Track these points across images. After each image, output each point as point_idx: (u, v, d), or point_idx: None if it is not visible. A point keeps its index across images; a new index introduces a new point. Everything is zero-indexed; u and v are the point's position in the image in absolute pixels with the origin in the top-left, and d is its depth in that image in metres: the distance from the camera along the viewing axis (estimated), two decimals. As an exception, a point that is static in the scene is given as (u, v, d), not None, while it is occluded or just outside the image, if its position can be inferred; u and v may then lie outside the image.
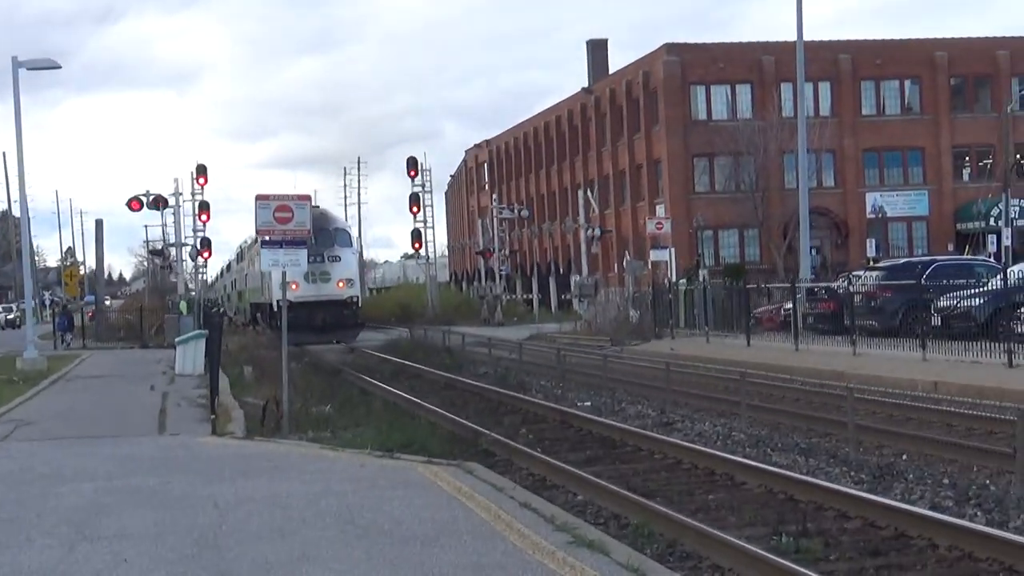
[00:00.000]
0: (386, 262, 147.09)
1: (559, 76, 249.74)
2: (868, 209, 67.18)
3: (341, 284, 47.09)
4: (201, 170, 67.87)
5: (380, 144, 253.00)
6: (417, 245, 70.84)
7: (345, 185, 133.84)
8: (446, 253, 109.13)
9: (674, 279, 42.27)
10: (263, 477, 13.36)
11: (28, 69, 30.41)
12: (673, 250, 50.58)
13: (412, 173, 70.04)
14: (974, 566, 9.87)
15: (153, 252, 55.27)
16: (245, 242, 62.78)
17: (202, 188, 66.82)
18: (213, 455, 15.16)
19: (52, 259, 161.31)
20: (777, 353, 29.58)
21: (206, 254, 67.21)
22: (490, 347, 36.11)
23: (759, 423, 19.24)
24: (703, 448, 16.14)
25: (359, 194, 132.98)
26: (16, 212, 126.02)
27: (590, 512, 12.90)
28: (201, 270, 69.23)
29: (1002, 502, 12.15)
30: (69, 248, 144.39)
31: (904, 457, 15.60)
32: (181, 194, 49.68)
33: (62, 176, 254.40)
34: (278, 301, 63.03)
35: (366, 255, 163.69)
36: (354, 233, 57.62)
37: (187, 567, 8.93)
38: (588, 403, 23.30)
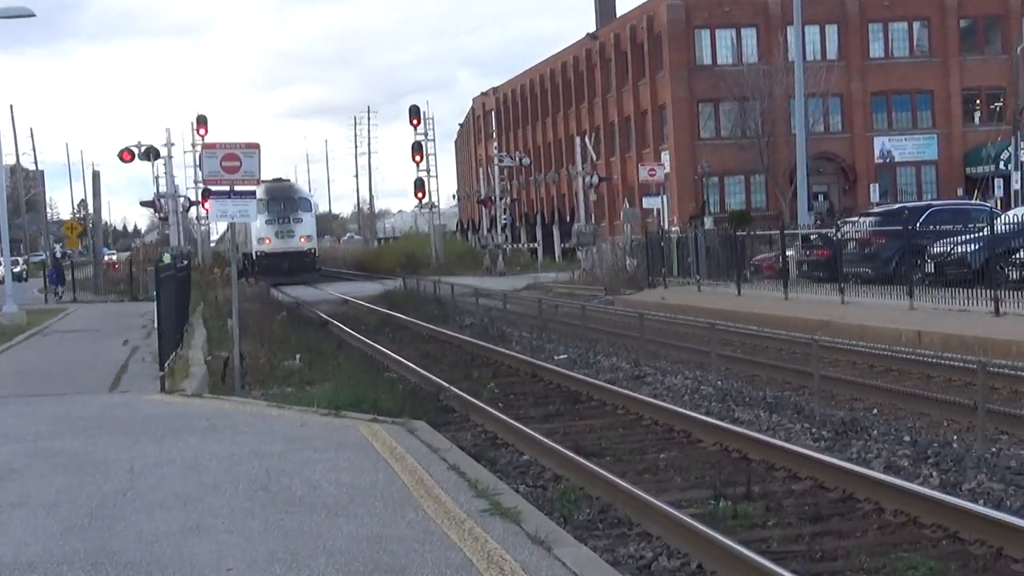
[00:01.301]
0: (400, 212, 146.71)
1: (571, 23, 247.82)
2: (876, 154, 66.17)
3: (303, 239, 62.73)
4: (201, 120, 67.74)
5: (395, 93, 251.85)
6: (420, 194, 70.33)
7: (355, 135, 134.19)
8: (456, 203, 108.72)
9: (666, 227, 41.51)
10: (194, 437, 12.85)
11: (2, 18, 29.80)
12: (666, 197, 49.81)
13: (415, 122, 69.38)
14: (917, 532, 9.26)
15: (144, 203, 54.64)
16: None
17: (202, 139, 66.58)
18: (152, 414, 14.65)
19: (65, 212, 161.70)
20: (767, 302, 28.95)
21: (207, 205, 66.87)
22: (477, 297, 35.63)
23: (733, 376, 18.70)
24: (663, 404, 15.59)
25: (368, 143, 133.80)
26: (27, 165, 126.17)
27: (531, 474, 12.39)
28: (203, 222, 68.72)
29: (961, 461, 11.53)
30: (82, 200, 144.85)
31: (875, 412, 14.98)
32: (173, 144, 49.05)
33: (76, 127, 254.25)
34: (253, 252, 65.98)
35: (380, 204, 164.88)
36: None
37: (66, 541, 8.38)
38: (564, 356, 22.83)
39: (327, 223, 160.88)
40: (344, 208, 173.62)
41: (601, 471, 11.30)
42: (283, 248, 61.54)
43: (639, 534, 9.69)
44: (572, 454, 12.33)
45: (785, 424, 14.25)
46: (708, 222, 51.59)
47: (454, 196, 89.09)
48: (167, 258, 35.55)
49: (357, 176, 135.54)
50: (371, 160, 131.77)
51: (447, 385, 18.41)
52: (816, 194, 62.38)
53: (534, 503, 10.33)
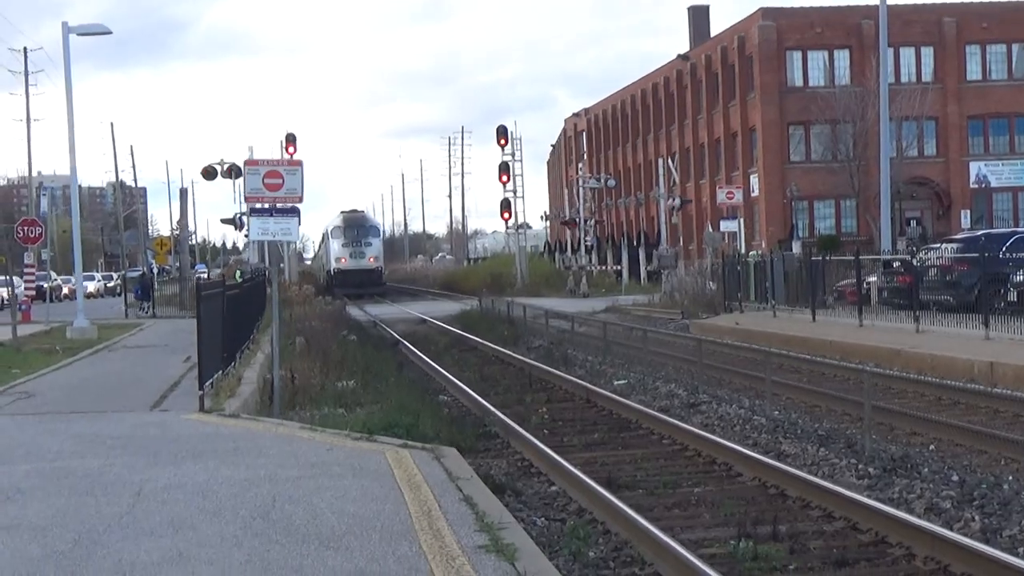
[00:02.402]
0: (493, 232, 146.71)
1: (668, 43, 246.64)
2: (971, 179, 64.41)
3: (371, 259, 75.55)
4: (290, 138, 67.95)
5: (492, 112, 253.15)
6: (507, 215, 70.11)
7: (449, 155, 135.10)
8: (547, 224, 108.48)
9: (744, 250, 40.65)
10: (214, 460, 12.54)
11: (78, 35, 30.22)
12: (754, 220, 48.85)
13: (502, 142, 69.25)
14: (946, 583, 8.58)
15: (224, 221, 55.19)
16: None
17: (291, 156, 67.26)
18: (182, 434, 14.41)
19: (165, 228, 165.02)
20: (841, 329, 28.04)
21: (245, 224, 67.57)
22: (547, 319, 35.41)
23: (791, 406, 18.01)
24: (708, 435, 14.97)
25: (462, 163, 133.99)
26: (129, 182, 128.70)
27: (555, 506, 11.90)
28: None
29: (1008, 505, 10.75)
30: (181, 218, 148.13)
31: (931, 448, 14.20)
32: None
33: (178, 145, 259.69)
34: (331, 270, 71.20)
35: (473, 225, 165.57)
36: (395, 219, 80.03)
37: (39, 568, 8.08)
38: (623, 381, 22.35)
39: (420, 243, 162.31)
40: (439, 228, 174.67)
41: (622, 506, 10.74)
42: (355, 266, 74.28)
43: (650, 575, 9.14)
44: (598, 487, 11.79)
45: (831, 459, 13.55)
46: (796, 247, 50.47)
47: (543, 217, 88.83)
48: (237, 276, 35.72)
49: (451, 196, 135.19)
50: (464, 180, 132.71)
51: (493, 410, 18.04)
52: (909, 219, 60.91)
53: (545, 538, 9.85)
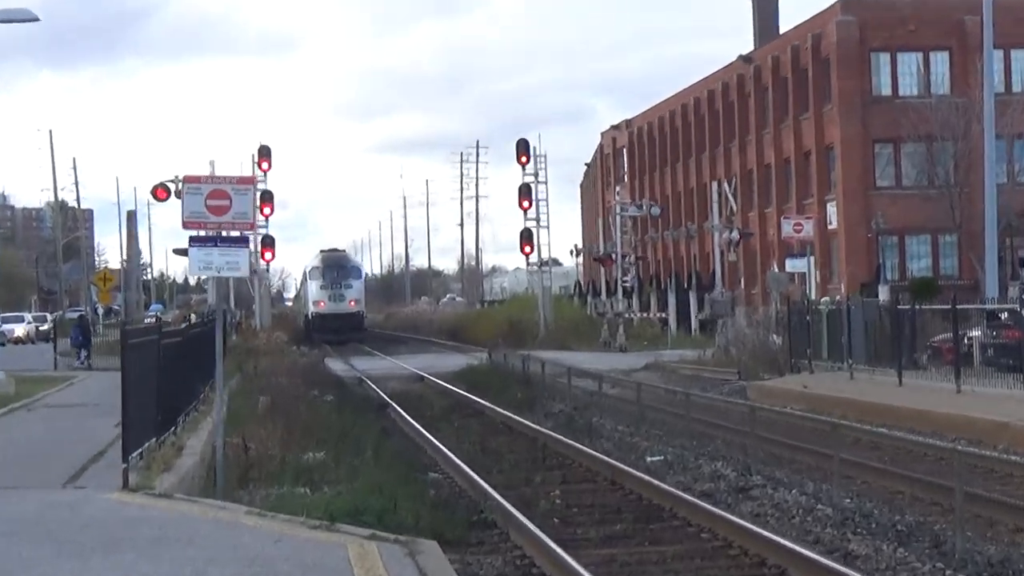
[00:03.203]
0: (516, 270, 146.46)
1: (728, 44, 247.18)
2: (1104, 211, 63.75)
3: (352, 303, 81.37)
4: (264, 152, 68.50)
5: (514, 125, 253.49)
6: (527, 248, 69.93)
7: (461, 175, 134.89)
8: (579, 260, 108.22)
9: (814, 296, 40.26)
10: (131, 553, 12.20)
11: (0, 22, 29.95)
12: (812, 258, 48.46)
13: (523, 159, 69.35)
14: None
15: (178, 252, 54.97)
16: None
17: (264, 174, 67.50)
18: (97, 518, 14.09)
19: (115, 258, 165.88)
20: (933, 396, 27.58)
21: (268, 255, 67.59)
22: (570, 378, 35.27)
23: (864, 492, 17.59)
24: (759, 528, 14.58)
25: (477, 186, 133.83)
26: (73, 202, 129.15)
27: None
28: (263, 273, 69.51)
29: None
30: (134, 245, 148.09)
31: (1040, 550, 13.73)
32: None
33: (133, 159, 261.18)
34: (308, 313, 73.39)
35: (490, 260, 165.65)
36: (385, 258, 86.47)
37: None
38: (659, 458, 22.08)
39: (425, 281, 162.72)
40: (449, 263, 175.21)
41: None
42: (334, 310, 79.93)
43: None
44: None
45: (911, 563, 13.14)
46: (883, 292, 49.88)
47: (573, 252, 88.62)
48: (192, 318, 35.63)
49: (462, 225, 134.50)
50: (479, 206, 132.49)
51: (492, 492, 17.71)
52: (1023, 260, 60.31)
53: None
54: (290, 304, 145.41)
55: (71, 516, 14.27)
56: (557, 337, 65.41)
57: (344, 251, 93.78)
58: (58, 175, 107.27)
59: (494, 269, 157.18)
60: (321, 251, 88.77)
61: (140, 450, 17.18)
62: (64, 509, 14.76)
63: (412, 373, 47.35)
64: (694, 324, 64.71)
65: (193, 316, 37.60)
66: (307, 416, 26.63)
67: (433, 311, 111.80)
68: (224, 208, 16.47)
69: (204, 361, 25.02)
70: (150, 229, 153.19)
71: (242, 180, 16.97)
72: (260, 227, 67.76)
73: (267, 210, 66.65)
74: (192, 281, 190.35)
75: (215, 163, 69.75)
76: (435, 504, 17.23)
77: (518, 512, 16.13)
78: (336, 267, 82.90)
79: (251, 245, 70.44)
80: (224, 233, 17.00)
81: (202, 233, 17.02)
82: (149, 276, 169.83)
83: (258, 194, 66.48)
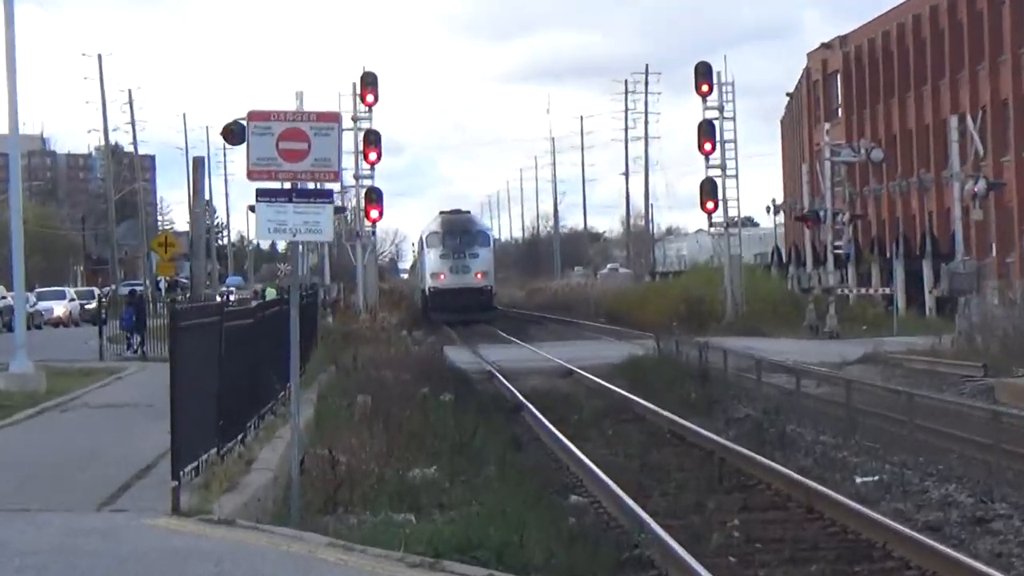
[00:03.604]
0: (698, 232, 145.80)
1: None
2: None
3: (479, 275, 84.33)
4: (368, 82, 68.71)
5: (694, 46, 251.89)
6: (710, 204, 69.60)
7: (626, 110, 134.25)
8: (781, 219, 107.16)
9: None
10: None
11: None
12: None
13: (704, 88, 68.98)
14: None
15: (253, 208, 55.68)
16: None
17: (369, 109, 67.84)
18: (139, 552, 14.28)
19: (182, 218, 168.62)
20: None
21: (373, 214, 68.06)
22: (760, 373, 35.54)
23: None
24: (995, 573, 14.38)
25: (646, 125, 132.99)
26: (129, 146, 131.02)
27: None
28: (368, 236, 70.17)
29: None
30: (206, 201, 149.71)
31: None
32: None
33: (204, 95, 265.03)
34: (426, 288, 76.24)
35: (666, 220, 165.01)
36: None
37: None
38: (873, 478, 21.99)
39: (580, 248, 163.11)
40: (610, 224, 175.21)
41: None
42: (457, 284, 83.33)
43: None
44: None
45: None
46: None
47: (771, 209, 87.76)
48: (271, 293, 36.06)
49: (627, 174, 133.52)
50: (649, 149, 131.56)
51: (650, 521, 17.74)
52: None
53: None
54: (406, 277, 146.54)
55: (104, 547, 14.48)
56: (748, 319, 65.15)
57: (469, 212, 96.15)
58: (109, 112, 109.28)
59: (669, 232, 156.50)
60: (441, 213, 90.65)
61: (196, 464, 17.37)
62: (97, 538, 14.99)
63: (557, 366, 47.73)
64: (928, 303, 63.83)
65: (271, 291, 37.96)
66: (416, 421, 26.85)
67: (589, 286, 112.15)
68: (301, 153, 16.57)
69: (284, 350, 25.32)
70: (226, 181, 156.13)
71: (324, 117, 16.93)
72: (364, 178, 68.45)
73: (372, 156, 67.05)
74: (281, 247, 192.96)
75: (303, 95, 69.54)
76: (574, 536, 17.25)
77: (682, 549, 16.10)
78: (459, 232, 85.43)
79: (353, 200, 71.71)
80: (301, 185, 17.08)
81: (273, 185, 17.14)
82: (225, 240, 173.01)
83: (360, 135, 67.41)
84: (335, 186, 17.29)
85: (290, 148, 16.58)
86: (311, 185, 17.42)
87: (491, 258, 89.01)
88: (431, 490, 20.55)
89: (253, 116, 16.82)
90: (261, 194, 16.88)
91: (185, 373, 16.71)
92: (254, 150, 16.63)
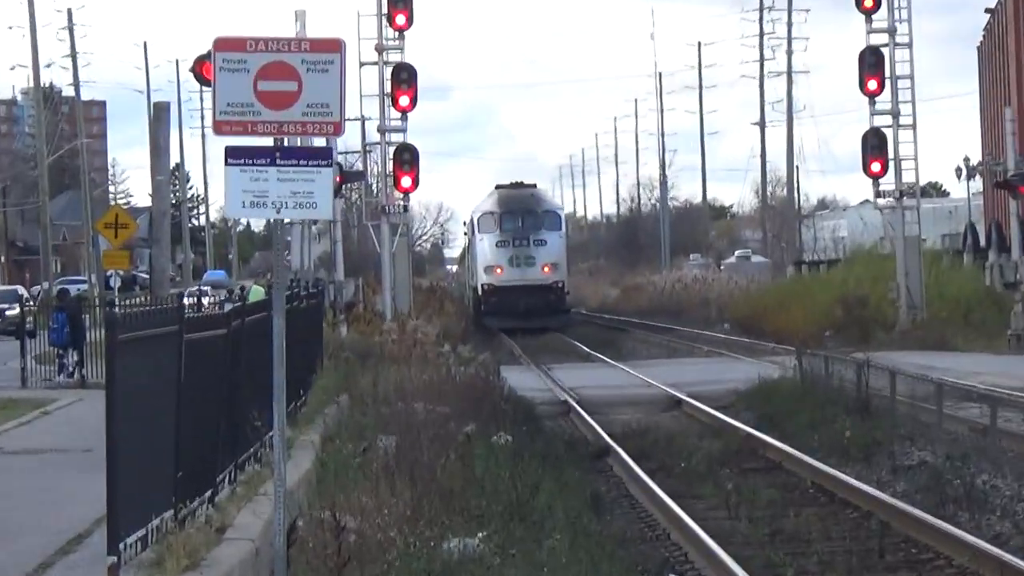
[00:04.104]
0: (862, 205, 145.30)
1: None
2: None
3: (546, 269, 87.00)
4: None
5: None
6: (876, 165, 69.22)
7: (761, 34, 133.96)
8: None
9: None
10: None
11: None
12: None
13: (867, 3, 68.50)
14: None
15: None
16: None
17: (400, 34, 67.63)
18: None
19: (141, 187, 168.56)
20: None
21: (405, 182, 67.92)
22: (941, 404, 35.07)
23: None
24: None
25: (789, 57, 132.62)
26: (70, 88, 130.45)
27: None
28: (398, 214, 69.94)
29: None
30: (175, 166, 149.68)
31: None
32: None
33: (171, 23, 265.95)
34: (479, 286, 77.70)
35: (816, 190, 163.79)
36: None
37: None
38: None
39: (698, 226, 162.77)
40: (739, 195, 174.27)
41: None
42: (519, 280, 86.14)
43: None
44: None
45: None
46: None
47: (962, 172, 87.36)
48: (257, 293, 36.06)
49: (762, 124, 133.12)
50: (792, 88, 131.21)
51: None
52: None
53: None
54: (454, 270, 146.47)
55: None
56: (929, 327, 65.17)
57: (534, 186, 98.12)
58: (42, 41, 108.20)
59: (821, 205, 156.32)
60: (498, 187, 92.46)
61: (144, 532, 17.42)
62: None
63: (659, 394, 47.88)
64: None
65: (258, 290, 37.85)
66: (456, 472, 26.72)
67: (709, 281, 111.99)
68: (288, 96, 16.65)
69: (263, 373, 25.28)
70: (204, 137, 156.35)
71: (321, 45, 16.88)
72: (393, 131, 68.25)
73: (404, 100, 66.78)
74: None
75: (305, 16, 68.45)
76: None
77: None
78: (521, 212, 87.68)
79: (379, 163, 71.40)
80: (289, 142, 17.08)
81: (249, 142, 17.15)
82: (203, 221, 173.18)
83: (387, 71, 67.25)
84: (340, 143, 17.08)
85: (273, 90, 16.67)
86: (302, 141, 17.44)
87: (563, 246, 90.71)
88: (474, 569, 20.54)
89: (221, 45, 16.96)
90: (232, 154, 16.91)
91: (129, 405, 16.73)
92: (223, 93, 16.74)
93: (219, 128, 16.87)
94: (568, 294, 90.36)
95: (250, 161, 16.91)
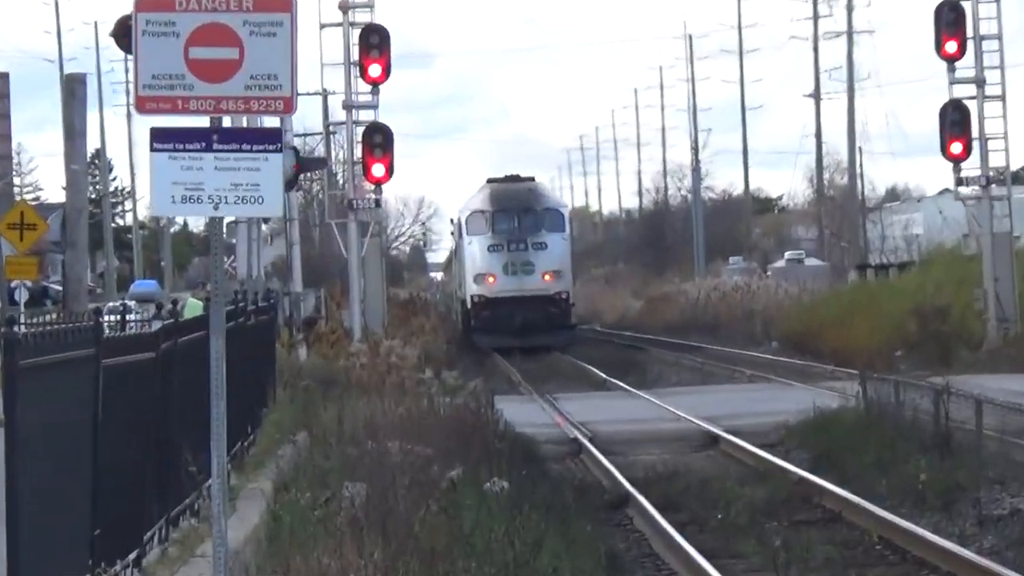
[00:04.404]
0: (940, 194, 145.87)
1: None
2: None
3: (547, 277, 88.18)
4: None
5: None
6: (956, 146, 69.35)
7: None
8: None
9: None
10: None
11: None
12: None
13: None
14: None
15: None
16: None
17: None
18: None
19: (54, 179, 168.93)
20: None
21: (377, 170, 67.96)
22: None
23: None
24: None
25: (850, 6, 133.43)
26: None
27: None
28: (369, 209, 70.02)
29: None
30: (95, 152, 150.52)
31: None
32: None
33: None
34: (467, 298, 79.12)
35: (884, 178, 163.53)
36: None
37: None
38: None
39: (737, 222, 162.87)
40: (789, 185, 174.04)
41: None
42: (516, 291, 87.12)
43: None
44: None
45: None
46: None
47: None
48: (194, 308, 36.05)
49: (817, 96, 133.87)
50: (853, 54, 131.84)
51: None
52: None
53: None
54: (438, 278, 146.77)
55: None
56: (1025, 345, 64.99)
57: (532, 180, 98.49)
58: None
59: (891, 196, 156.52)
60: (489, 181, 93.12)
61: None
62: None
63: (692, 429, 47.96)
64: None
65: (195, 305, 37.79)
66: (440, 528, 26.72)
67: (753, 289, 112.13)
68: (227, 65, 16.68)
69: (197, 407, 25.31)
70: (129, 116, 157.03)
71: (266, 3, 16.84)
72: (362, 107, 68.37)
73: (375, 70, 66.85)
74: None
75: None
76: None
77: None
78: (517, 210, 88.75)
79: (344, 147, 71.32)
80: (228, 122, 17.09)
81: (179, 122, 17.16)
82: (130, 220, 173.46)
83: (354, 34, 67.37)
84: (295, 123, 17.08)
85: (209, 58, 16.71)
86: (246, 122, 17.41)
87: (567, 250, 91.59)
88: None
89: (144, 3, 16.92)
90: (159, 137, 16.93)
91: (34, 447, 16.68)
92: (147, 63, 16.78)
93: (143, 105, 16.90)
94: (574, 306, 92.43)
95: (181, 146, 16.92)
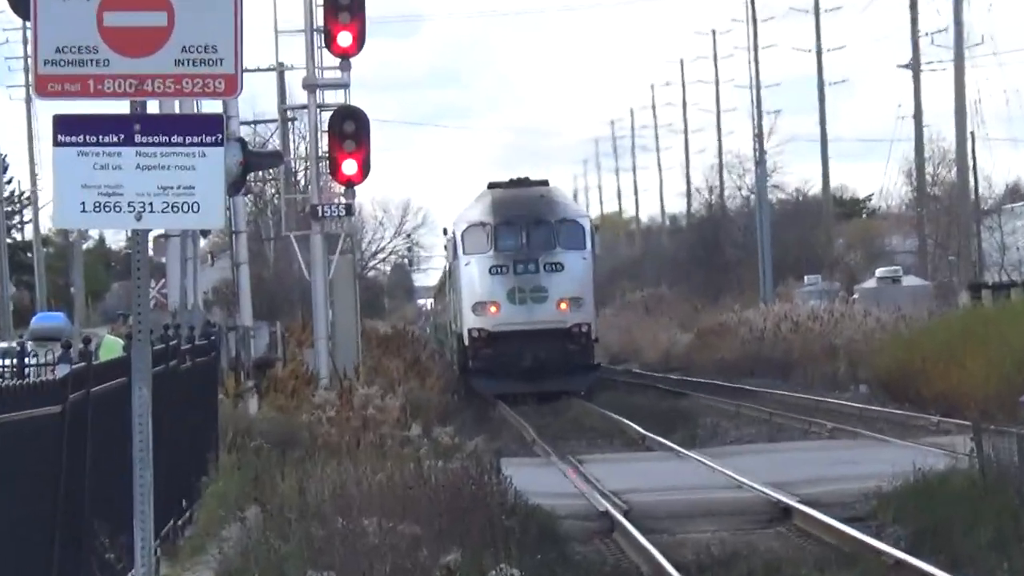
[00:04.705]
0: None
1: None
2: None
3: (563, 305, 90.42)
4: None
5: None
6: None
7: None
8: None
9: None
10: None
11: None
12: None
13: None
14: None
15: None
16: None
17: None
18: None
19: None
20: None
21: (349, 168, 68.35)
22: None
23: None
24: None
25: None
26: None
27: None
28: (337, 218, 70.41)
29: None
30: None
31: None
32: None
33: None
34: (464, 332, 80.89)
35: (1001, 177, 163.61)
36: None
37: None
38: None
39: (812, 231, 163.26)
40: (882, 182, 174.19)
41: None
42: (524, 323, 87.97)
43: None
44: None
45: None
46: None
47: None
48: (112, 348, 36.28)
49: (916, 66, 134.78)
50: (962, 14, 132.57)
51: None
52: None
53: None
54: (428, 306, 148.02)
55: None
56: None
57: (545, 184, 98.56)
58: None
59: (1013, 195, 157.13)
60: (491, 186, 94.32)
61: None
62: None
63: (757, 499, 48.03)
64: None
65: (113, 344, 38.07)
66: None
67: (835, 316, 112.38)
68: (153, 35, 16.74)
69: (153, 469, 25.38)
70: (29, 101, 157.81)
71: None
72: (328, 87, 68.75)
73: (345, 39, 67.07)
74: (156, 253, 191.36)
75: None
76: None
77: None
78: (526, 222, 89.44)
79: (306, 139, 71.76)
80: (154, 108, 17.14)
81: (91, 107, 17.19)
82: (31, 234, 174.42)
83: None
84: (242, 107, 17.01)
85: (129, 25, 16.78)
86: (178, 107, 17.42)
87: (589, 271, 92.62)
88: None
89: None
90: (65, 127, 16.96)
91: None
92: (48, 30, 16.81)
93: (44, 87, 16.98)
94: (597, 342, 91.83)
95: (94, 139, 16.99)
